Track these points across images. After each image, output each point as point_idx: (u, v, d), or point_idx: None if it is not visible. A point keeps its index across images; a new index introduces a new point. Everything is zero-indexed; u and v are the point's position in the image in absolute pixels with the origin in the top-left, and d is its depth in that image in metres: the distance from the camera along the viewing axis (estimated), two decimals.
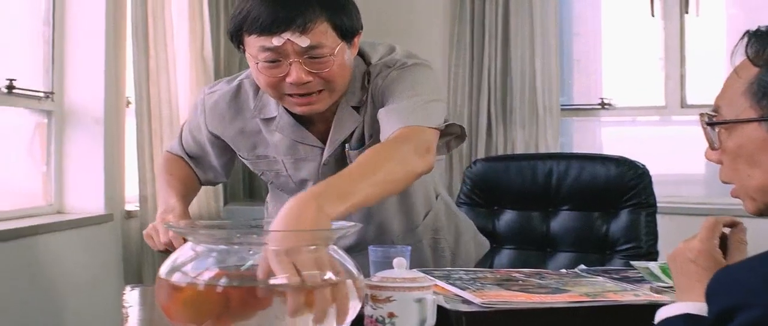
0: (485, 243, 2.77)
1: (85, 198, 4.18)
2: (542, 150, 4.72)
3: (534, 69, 4.78)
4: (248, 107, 2.29)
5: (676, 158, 4.96)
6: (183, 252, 1.76)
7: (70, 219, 4.04)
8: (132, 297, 2.45)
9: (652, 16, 4.89)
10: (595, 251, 2.96)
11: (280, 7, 2.00)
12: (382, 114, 2.09)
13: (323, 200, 1.71)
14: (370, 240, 2.39)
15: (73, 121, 4.16)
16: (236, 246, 1.74)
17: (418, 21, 5.20)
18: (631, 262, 2.51)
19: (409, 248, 2.17)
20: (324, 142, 2.26)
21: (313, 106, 2.11)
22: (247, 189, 5.07)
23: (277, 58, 2.02)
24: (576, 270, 2.46)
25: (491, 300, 1.84)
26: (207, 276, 1.69)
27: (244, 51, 2.10)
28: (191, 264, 1.73)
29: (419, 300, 1.79)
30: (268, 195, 2.65)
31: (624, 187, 2.98)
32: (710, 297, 1.20)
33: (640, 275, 2.36)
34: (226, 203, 4.72)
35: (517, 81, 4.78)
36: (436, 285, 1.94)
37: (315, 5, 2.01)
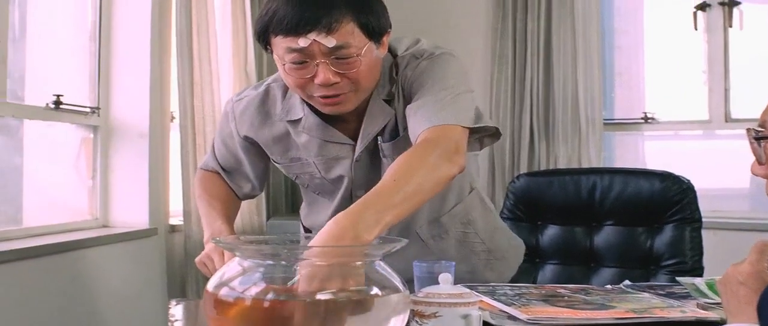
0: (521, 244, 2.69)
1: (130, 212, 4.21)
2: (585, 164, 4.70)
3: (576, 83, 4.76)
4: (276, 111, 2.27)
5: (720, 172, 4.92)
6: (231, 268, 1.78)
7: (115, 233, 4.08)
8: (177, 311, 2.47)
9: (695, 29, 4.87)
10: (639, 267, 2.94)
11: (306, 7, 1.96)
12: (410, 110, 2.06)
13: (360, 228, 1.72)
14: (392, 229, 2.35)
15: (118, 135, 4.20)
16: (283, 262, 1.75)
17: (460, 35, 5.20)
18: (677, 278, 2.49)
19: (454, 264, 2.16)
20: (354, 139, 2.22)
21: (341, 105, 2.08)
22: (290, 203, 5.08)
23: (303, 59, 1.99)
24: (621, 285, 2.45)
25: (537, 316, 1.84)
26: (254, 291, 1.70)
27: (271, 52, 2.07)
28: (239, 279, 1.75)
29: (465, 316, 1.79)
30: (303, 204, 2.60)
31: (668, 202, 2.96)
32: (761, 311, 1.20)
33: (686, 291, 2.34)
34: (269, 217, 4.74)
35: (559, 95, 4.77)
36: (481, 300, 1.95)
37: (341, 5, 1.97)
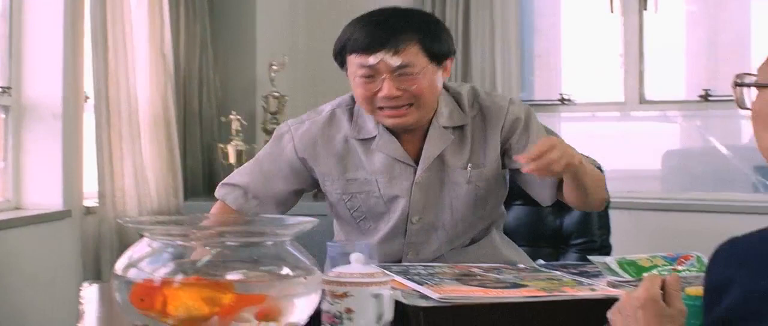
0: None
1: (44, 194, 4.14)
2: None
3: (494, 65, 4.79)
4: (342, 131, 2.48)
5: (634, 154, 5.00)
6: (138, 248, 1.76)
7: (28, 215, 4.01)
8: (89, 293, 2.45)
9: (612, 12, 4.92)
10: (548, 245, 2.97)
11: (378, 31, 2.32)
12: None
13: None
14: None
15: (30, 115, 4.13)
16: (193, 242, 1.74)
17: None
18: (589, 257, 2.52)
19: (369, 243, 2.17)
20: (416, 162, 2.44)
21: (402, 118, 2.36)
22: (207, 184, 5.04)
23: (372, 74, 2.31)
24: (534, 265, 2.48)
25: (448, 294, 1.85)
26: (162, 272, 1.68)
27: (346, 69, 2.40)
28: (147, 260, 1.73)
29: (376, 296, 1.79)
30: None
31: None
32: (711, 266, 1.22)
33: (597, 270, 2.37)
34: (186, 198, 4.69)
35: (477, 77, 4.79)
36: (393, 280, 1.95)
37: (409, 30, 2.32)
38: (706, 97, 4.57)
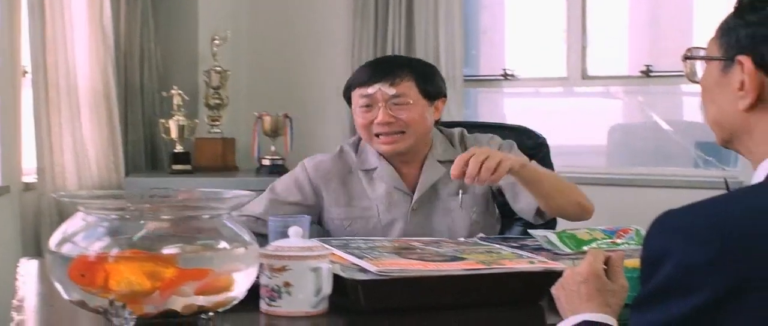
0: None
1: None
2: (446, 120, 4.72)
3: (437, 40, 4.77)
4: (349, 163, 2.78)
5: (578, 129, 5.02)
6: (73, 223, 1.74)
7: None
8: (27, 269, 2.41)
9: None
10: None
11: (378, 67, 2.73)
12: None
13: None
14: None
15: None
16: (128, 216, 1.72)
17: None
18: (530, 231, 2.54)
19: (309, 217, 2.17)
20: (413, 191, 2.73)
21: (394, 145, 2.66)
22: (150, 160, 4.99)
23: (370, 103, 2.65)
24: (475, 238, 2.48)
25: (387, 268, 1.85)
26: (98, 246, 1.67)
27: (350, 104, 2.74)
28: (81, 234, 1.71)
29: (315, 269, 1.79)
30: None
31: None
32: (647, 238, 1.23)
33: (538, 243, 2.39)
34: (127, 174, 4.64)
35: (421, 52, 4.77)
36: (332, 253, 1.94)
37: (405, 68, 2.70)
38: (647, 73, 4.59)
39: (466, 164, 2.37)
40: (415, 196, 2.73)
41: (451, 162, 2.55)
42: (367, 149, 2.77)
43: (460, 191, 2.72)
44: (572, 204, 2.63)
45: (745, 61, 1.33)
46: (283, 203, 2.72)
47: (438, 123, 2.81)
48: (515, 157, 2.52)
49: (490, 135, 2.82)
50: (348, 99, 2.76)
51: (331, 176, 2.76)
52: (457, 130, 2.85)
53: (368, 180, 2.76)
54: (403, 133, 2.66)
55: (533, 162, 2.62)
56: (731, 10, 1.40)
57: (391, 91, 2.63)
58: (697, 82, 1.48)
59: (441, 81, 2.79)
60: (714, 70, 1.41)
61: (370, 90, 2.64)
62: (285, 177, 2.82)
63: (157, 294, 1.65)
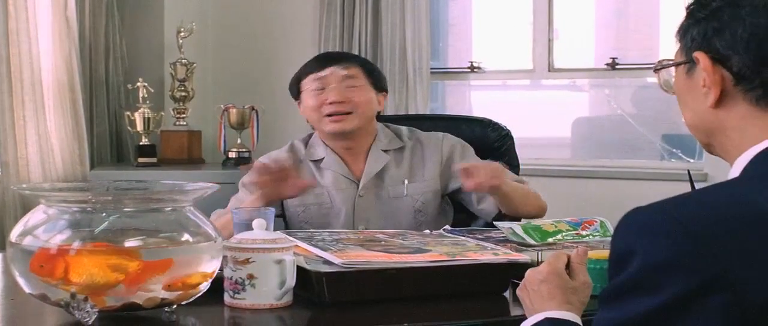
0: None
1: None
2: (412, 112, 4.72)
3: (404, 32, 4.76)
4: (300, 155, 2.91)
5: (543, 121, 5.03)
6: (34, 216, 1.73)
7: None
8: None
9: None
10: (459, 211, 2.98)
11: (330, 56, 3.11)
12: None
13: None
14: None
15: None
16: (89, 209, 1.71)
17: None
18: (495, 222, 2.55)
19: (273, 210, 2.16)
20: (359, 179, 2.86)
21: (342, 123, 2.80)
22: (115, 152, 4.96)
23: (322, 86, 2.82)
24: (440, 231, 2.49)
25: (352, 260, 1.85)
26: (59, 239, 1.65)
27: (298, 95, 2.90)
28: (42, 227, 1.70)
29: (279, 262, 1.79)
30: None
31: (488, 148, 3.02)
32: (615, 235, 1.23)
33: (503, 235, 2.39)
34: (92, 167, 4.61)
35: (387, 44, 4.77)
36: (297, 246, 1.94)
37: (353, 59, 3.03)
38: (613, 66, 4.61)
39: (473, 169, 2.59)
40: (362, 183, 2.86)
41: (398, 150, 2.90)
42: (316, 142, 2.94)
43: (406, 180, 2.87)
44: (534, 208, 2.78)
45: (701, 57, 1.34)
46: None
47: (380, 118, 3.00)
48: (505, 174, 2.67)
49: (443, 134, 2.96)
50: (295, 94, 2.93)
51: (295, 163, 2.87)
52: (404, 126, 3.02)
53: (317, 169, 2.89)
54: (350, 113, 2.80)
55: (505, 171, 2.71)
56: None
57: (344, 71, 2.83)
58: (673, 93, 1.48)
59: (383, 77, 3.00)
60: (681, 75, 1.41)
61: (324, 72, 2.83)
62: (251, 174, 2.84)
63: (122, 287, 1.64)
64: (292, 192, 2.70)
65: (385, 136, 2.93)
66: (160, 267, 1.66)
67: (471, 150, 2.92)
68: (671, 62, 1.45)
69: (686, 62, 1.39)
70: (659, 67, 1.51)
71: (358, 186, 2.86)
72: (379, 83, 2.92)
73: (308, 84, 2.87)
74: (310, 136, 2.98)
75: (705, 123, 1.38)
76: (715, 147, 1.41)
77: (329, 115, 2.81)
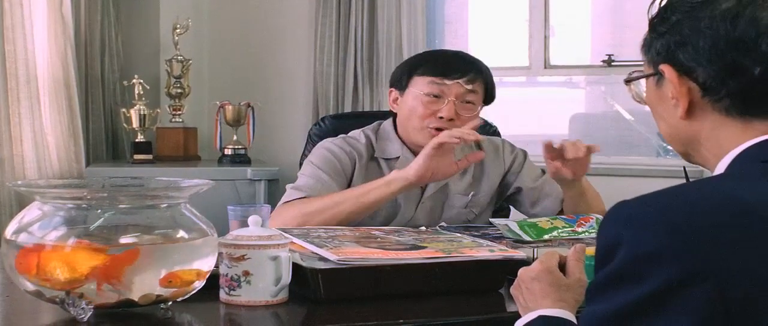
0: None
1: None
2: None
3: (400, 29, 4.76)
4: (371, 150, 2.77)
5: (540, 118, 5.03)
6: (29, 213, 1.73)
7: None
8: None
9: None
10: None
11: (455, 59, 2.74)
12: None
13: None
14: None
15: None
16: (84, 206, 1.70)
17: None
18: (491, 219, 2.56)
19: (269, 206, 2.16)
20: (425, 185, 2.72)
21: None
22: (111, 149, 4.96)
23: (439, 94, 2.63)
24: (436, 227, 2.49)
25: (347, 256, 1.85)
26: (53, 236, 1.65)
27: (404, 87, 2.71)
28: (38, 224, 1.70)
29: (274, 258, 1.78)
30: None
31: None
32: (601, 228, 1.24)
33: (499, 232, 2.40)
34: (88, 164, 4.61)
35: (383, 41, 4.77)
36: (292, 242, 1.94)
37: (479, 73, 2.69)
38: (609, 62, 4.61)
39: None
40: (428, 192, 2.76)
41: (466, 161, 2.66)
42: (390, 138, 2.79)
43: (471, 193, 2.79)
44: (601, 212, 2.62)
45: (667, 70, 1.35)
46: (332, 183, 2.69)
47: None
48: None
49: (500, 140, 2.94)
50: (400, 83, 2.74)
51: (359, 160, 2.76)
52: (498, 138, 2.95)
53: (388, 169, 2.73)
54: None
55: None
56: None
57: (467, 87, 2.64)
58: (645, 103, 1.49)
59: (494, 87, 2.78)
60: (651, 86, 1.42)
61: (448, 82, 2.63)
62: (326, 156, 2.76)
63: (95, 281, 1.63)
64: (454, 169, 2.59)
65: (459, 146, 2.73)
66: (127, 258, 1.65)
67: (526, 154, 2.91)
68: (641, 74, 1.46)
69: (654, 74, 1.40)
70: (629, 79, 1.51)
71: (423, 191, 2.76)
72: (490, 98, 2.75)
73: (422, 84, 2.67)
74: (378, 128, 2.83)
75: (680, 134, 1.40)
76: (692, 156, 1.42)
77: (436, 128, 2.63)
